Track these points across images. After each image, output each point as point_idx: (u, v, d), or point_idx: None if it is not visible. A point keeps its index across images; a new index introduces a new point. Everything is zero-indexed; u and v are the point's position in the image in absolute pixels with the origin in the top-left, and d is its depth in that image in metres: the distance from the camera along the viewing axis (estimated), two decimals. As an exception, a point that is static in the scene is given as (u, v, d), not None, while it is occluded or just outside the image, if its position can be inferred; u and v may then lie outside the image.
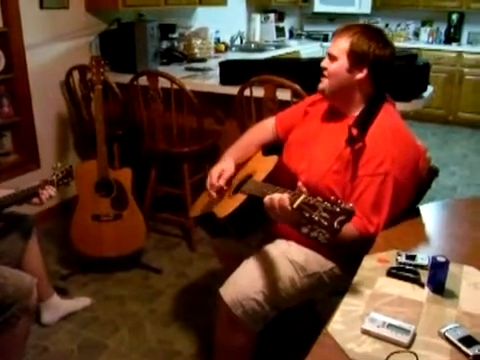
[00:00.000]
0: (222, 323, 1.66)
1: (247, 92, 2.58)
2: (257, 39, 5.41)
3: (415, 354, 1.01)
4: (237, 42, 5.24)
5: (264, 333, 1.66)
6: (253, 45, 5.15)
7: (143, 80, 2.86)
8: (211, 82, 3.12)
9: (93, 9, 3.44)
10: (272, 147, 1.88)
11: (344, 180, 1.56)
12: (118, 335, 2.28)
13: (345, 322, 1.13)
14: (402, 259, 1.34)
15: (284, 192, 1.35)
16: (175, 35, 4.13)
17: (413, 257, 1.35)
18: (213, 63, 3.75)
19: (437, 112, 5.93)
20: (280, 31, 5.60)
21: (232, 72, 2.96)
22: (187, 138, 2.93)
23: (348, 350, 1.04)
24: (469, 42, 6.03)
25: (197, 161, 2.97)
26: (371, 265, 1.35)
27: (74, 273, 2.74)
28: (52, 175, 2.02)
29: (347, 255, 1.54)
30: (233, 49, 5.01)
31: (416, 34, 6.40)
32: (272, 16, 5.53)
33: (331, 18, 6.41)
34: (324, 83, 1.65)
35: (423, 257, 1.34)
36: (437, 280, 1.23)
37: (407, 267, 1.31)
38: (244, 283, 1.59)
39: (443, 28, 6.14)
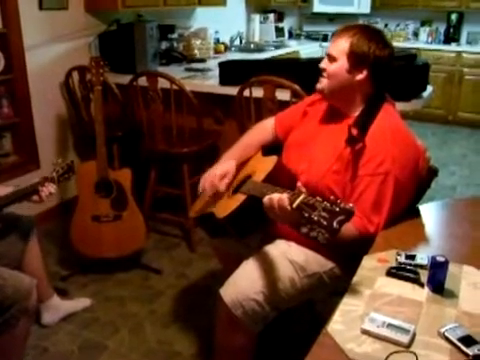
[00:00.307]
0: (222, 323, 1.66)
1: (246, 92, 2.58)
2: (256, 39, 5.41)
3: (415, 354, 1.01)
4: (236, 42, 5.24)
5: (264, 333, 1.66)
6: (252, 45, 5.15)
7: (143, 81, 2.86)
8: (210, 82, 3.12)
9: (92, 10, 3.44)
10: (272, 147, 1.88)
11: (344, 180, 1.56)
12: (118, 336, 2.28)
13: (345, 322, 1.13)
14: (402, 259, 1.34)
15: (283, 192, 1.35)
16: (174, 36, 4.13)
17: (413, 257, 1.35)
18: (212, 63, 3.75)
19: (437, 112, 5.93)
20: (279, 31, 5.60)
21: (231, 72, 2.96)
22: (187, 138, 2.93)
23: (348, 350, 1.04)
24: (468, 42, 6.03)
25: (197, 161, 2.97)
26: (371, 265, 1.35)
27: (74, 274, 2.74)
28: (52, 171, 2.00)
29: (347, 255, 1.54)
30: (232, 49, 5.01)
31: (415, 34, 6.40)
32: (271, 16, 5.53)
33: (330, 18, 6.41)
34: (323, 83, 1.64)
35: (423, 257, 1.34)
36: (437, 280, 1.23)
37: (407, 267, 1.31)
38: (244, 284, 1.58)
39: (442, 28, 6.15)
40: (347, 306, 1.19)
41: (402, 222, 1.56)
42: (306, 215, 1.20)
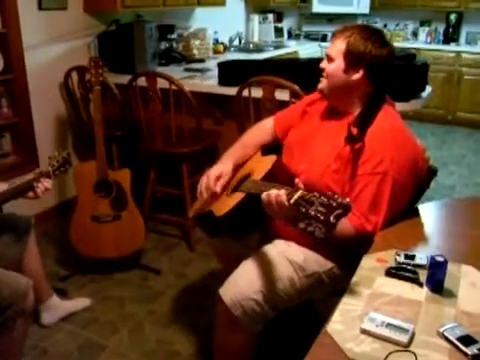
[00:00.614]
0: (221, 323, 1.66)
1: (246, 92, 2.58)
2: (256, 39, 5.42)
3: (414, 353, 1.01)
4: (236, 42, 5.24)
5: (263, 333, 1.67)
6: (252, 45, 5.15)
7: (142, 81, 2.86)
8: (210, 83, 3.12)
9: (92, 10, 3.44)
10: (272, 147, 1.89)
11: (343, 179, 1.56)
12: (118, 336, 2.28)
13: (344, 322, 1.13)
14: (401, 259, 1.34)
15: (281, 188, 1.36)
16: (174, 36, 4.13)
17: (412, 257, 1.35)
18: (212, 64, 3.76)
19: (436, 112, 5.94)
20: (279, 31, 5.60)
21: (231, 73, 2.96)
22: (186, 139, 2.94)
23: (347, 350, 1.04)
24: (467, 42, 6.04)
25: (196, 161, 2.97)
26: (370, 265, 1.35)
27: (73, 274, 2.74)
28: (48, 165, 1.98)
29: (346, 255, 1.54)
30: (232, 49, 5.01)
31: (415, 34, 6.41)
32: (271, 16, 5.53)
33: (330, 18, 6.41)
34: (323, 83, 1.65)
35: (422, 257, 1.35)
36: (436, 279, 1.23)
37: (406, 267, 1.31)
38: (243, 283, 1.59)
39: (441, 28, 6.15)
40: (346, 306, 1.19)
41: (401, 222, 1.56)
42: (303, 210, 1.20)
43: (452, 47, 5.93)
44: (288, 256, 1.62)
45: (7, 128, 3.18)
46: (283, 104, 2.35)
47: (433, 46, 6.07)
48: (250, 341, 1.65)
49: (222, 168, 1.77)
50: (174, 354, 2.17)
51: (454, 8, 5.91)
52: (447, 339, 1.06)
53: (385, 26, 6.39)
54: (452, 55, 5.84)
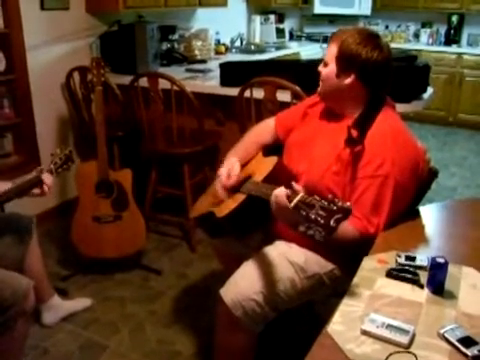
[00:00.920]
0: (222, 324, 1.66)
1: (247, 93, 2.58)
2: (257, 40, 5.41)
3: (414, 355, 1.02)
4: (237, 43, 5.24)
5: (264, 333, 1.67)
6: (253, 46, 5.15)
7: (143, 81, 2.86)
8: (211, 83, 3.12)
9: (93, 10, 3.45)
10: (273, 148, 1.89)
11: (344, 181, 1.56)
12: (118, 336, 2.28)
13: (345, 323, 1.13)
14: (402, 260, 1.34)
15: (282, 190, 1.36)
16: (175, 36, 4.14)
17: (413, 258, 1.35)
18: (213, 64, 3.76)
19: (437, 113, 5.94)
20: (280, 32, 5.60)
21: (232, 73, 2.96)
22: (187, 139, 2.94)
23: (348, 351, 1.04)
24: (469, 44, 6.04)
25: (197, 162, 2.98)
26: (371, 266, 1.35)
27: (74, 274, 2.74)
28: (50, 163, 1.98)
29: (347, 256, 1.54)
30: (233, 50, 5.01)
31: (416, 35, 6.41)
32: (272, 17, 5.53)
33: (331, 20, 6.40)
34: (320, 87, 1.67)
35: (422, 258, 1.35)
36: (436, 281, 1.24)
37: (407, 268, 1.31)
38: (244, 284, 1.59)
39: (443, 30, 6.16)
40: (347, 307, 1.19)
41: (402, 223, 1.57)
42: (304, 213, 1.21)
43: (454, 49, 5.93)
44: (289, 257, 1.62)
45: (9, 128, 3.18)
46: (284, 105, 2.35)
47: (435, 48, 6.07)
48: (251, 342, 1.65)
49: (229, 165, 1.78)
50: (175, 354, 2.17)
51: (456, 10, 5.91)
52: (447, 340, 1.06)
53: (387, 27, 6.39)
54: (453, 57, 5.85)
